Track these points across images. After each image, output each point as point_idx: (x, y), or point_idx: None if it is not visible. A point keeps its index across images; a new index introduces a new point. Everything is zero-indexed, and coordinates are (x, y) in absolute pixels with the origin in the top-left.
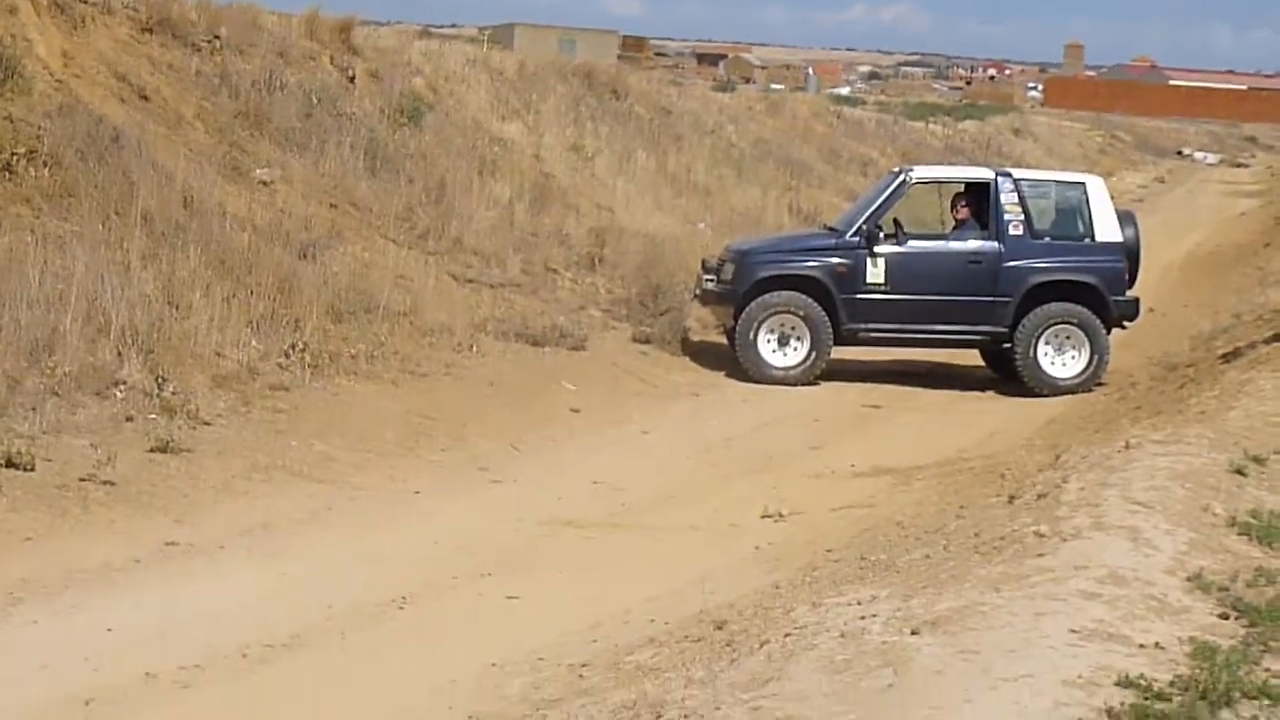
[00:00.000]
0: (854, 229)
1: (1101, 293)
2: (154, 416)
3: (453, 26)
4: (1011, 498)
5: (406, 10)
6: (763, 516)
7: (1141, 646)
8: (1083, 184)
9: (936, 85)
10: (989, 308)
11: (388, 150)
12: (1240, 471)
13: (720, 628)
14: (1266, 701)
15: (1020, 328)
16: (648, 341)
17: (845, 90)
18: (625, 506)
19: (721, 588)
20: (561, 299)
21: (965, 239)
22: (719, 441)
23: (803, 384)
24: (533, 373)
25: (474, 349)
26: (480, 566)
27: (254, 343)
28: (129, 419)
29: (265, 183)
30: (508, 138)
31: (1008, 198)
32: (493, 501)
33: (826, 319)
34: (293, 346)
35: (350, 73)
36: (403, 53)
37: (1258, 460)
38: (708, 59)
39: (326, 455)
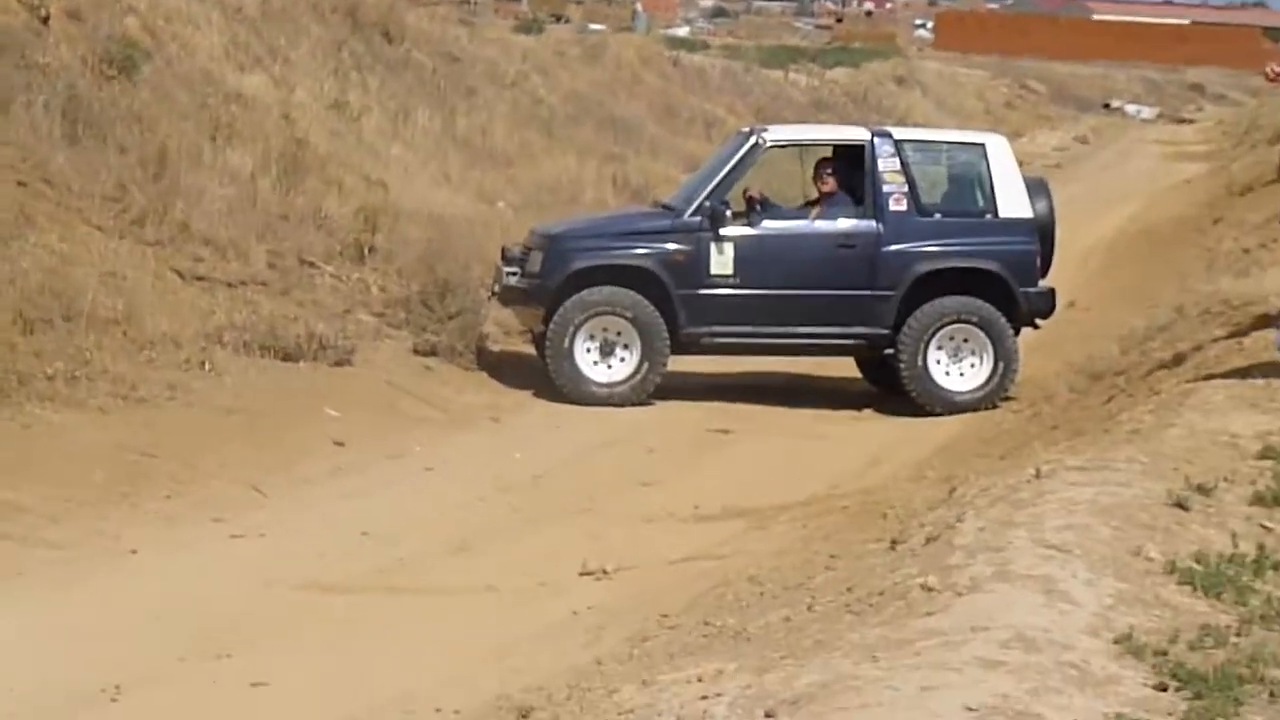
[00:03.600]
0: (694, 207)
1: (1007, 283)
2: None
3: None
4: (894, 542)
5: None
6: (581, 574)
7: None
8: (981, 145)
9: (799, 24)
10: (866, 304)
11: (92, 111)
12: (1181, 504)
13: (526, 716)
14: None
15: (905, 329)
16: (433, 353)
17: (684, 31)
18: (403, 563)
19: (527, 665)
20: (321, 300)
21: (834, 217)
22: (525, 479)
23: (632, 403)
24: (284, 396)
25: (207, 366)
26: (216, 644)
27: None
28: None
29: None
30: (248, 93)
31: (887, 164)
32: (232, 560)
33: (661, 321)
34: None
35: (43, 12)
36: None
37: (1202, 490)
38: None
39: (15, 505)
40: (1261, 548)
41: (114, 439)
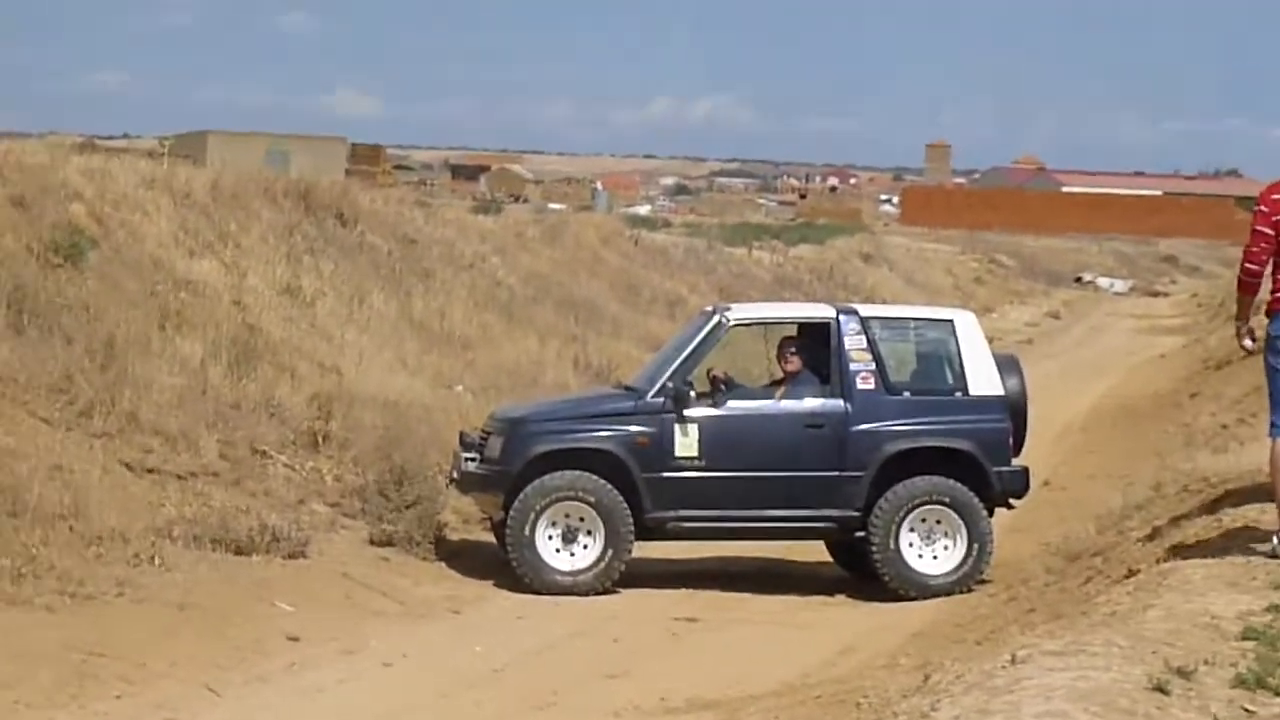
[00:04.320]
0: (657, 387)
1: (980, 462)
2: None
3: (124, 137)
4: None
5: (63, 118)
6: None
7: None
8: (950, 322)
9: (762, 200)
10: (835, 486)
11: (38, 300)
12: (1161, 689)
13: None
14: None
15: (877, 511)
16: (390, 543)
17: (645, 209)
18: None
19: None
20: (274, 490)
21: (800, 397)
22: (486, 673)
23: (596, 592)
24: (236, 590)
25: (157, 561)
26: None
27: None
28: None
29: None
30: (199, 279)
31: (853, 342)
32: None
33: (625, 506)
34: None
35: None
36: (56, 171)
37: (1183, 674)
38: (465, 171)
39: None
40: None
41: (61, 638)
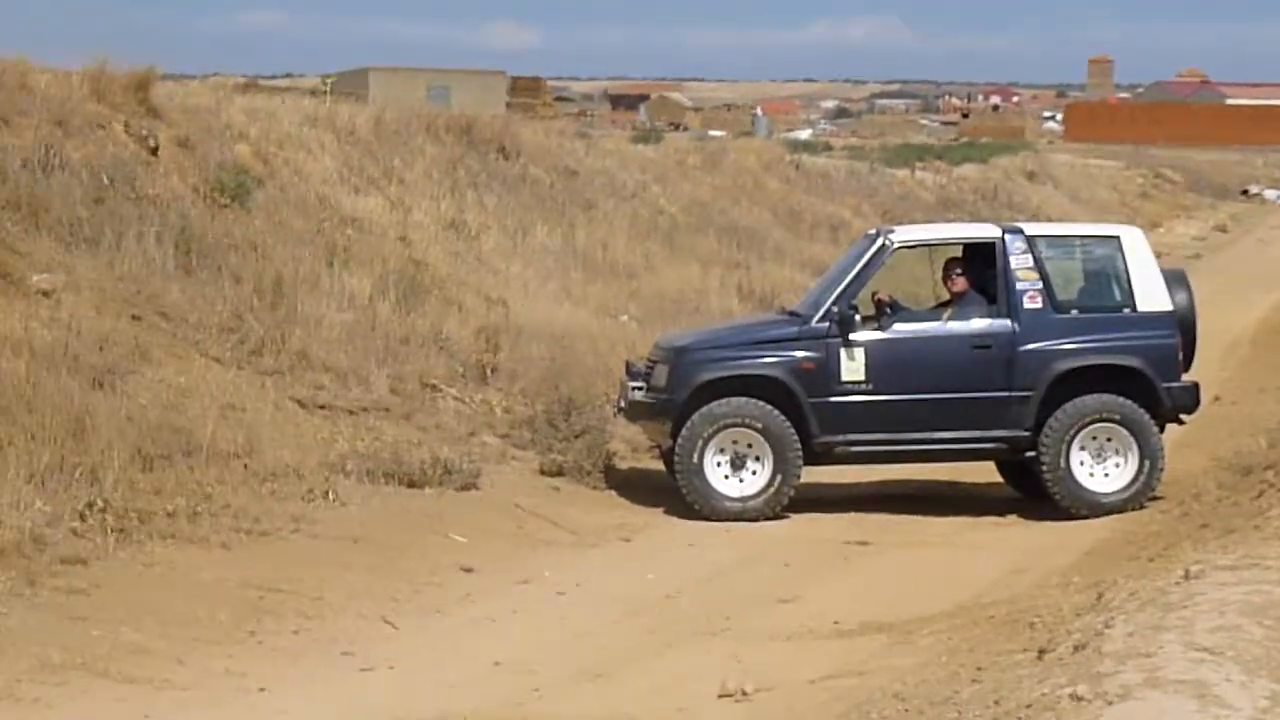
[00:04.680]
0: (822, 312)
1: (1149, 379)
2: None
3: (287, 77)
4: (1042, 651)
5: (225, 59)
6: (720, 696)
7: None
8: (1116, 238)
9: (924, 120)
10: (1004, 406)
11: (205, 241)
12: None
13: None
14: None
15: (1046, 430)
16: (560, 473)
17: (806, 134)
18: (539, 693)
19: None
20: (445, 424)
21: (967, 318)
22: (658, 599)
23: (766, 517)
24: (410, 523)
25: (330, 496)
26: None
27: (39, 503)
28: None
29: (45, 292)
30: (364, 216)
31: (1020, 261)
32: (364, 695)
33: (792, 432)
34: (90, 505)
35: (152, 142)
36: (220, 113)
37: None
38: (625, 101)
39: (140, 646)
40: None
41: (238, 575)
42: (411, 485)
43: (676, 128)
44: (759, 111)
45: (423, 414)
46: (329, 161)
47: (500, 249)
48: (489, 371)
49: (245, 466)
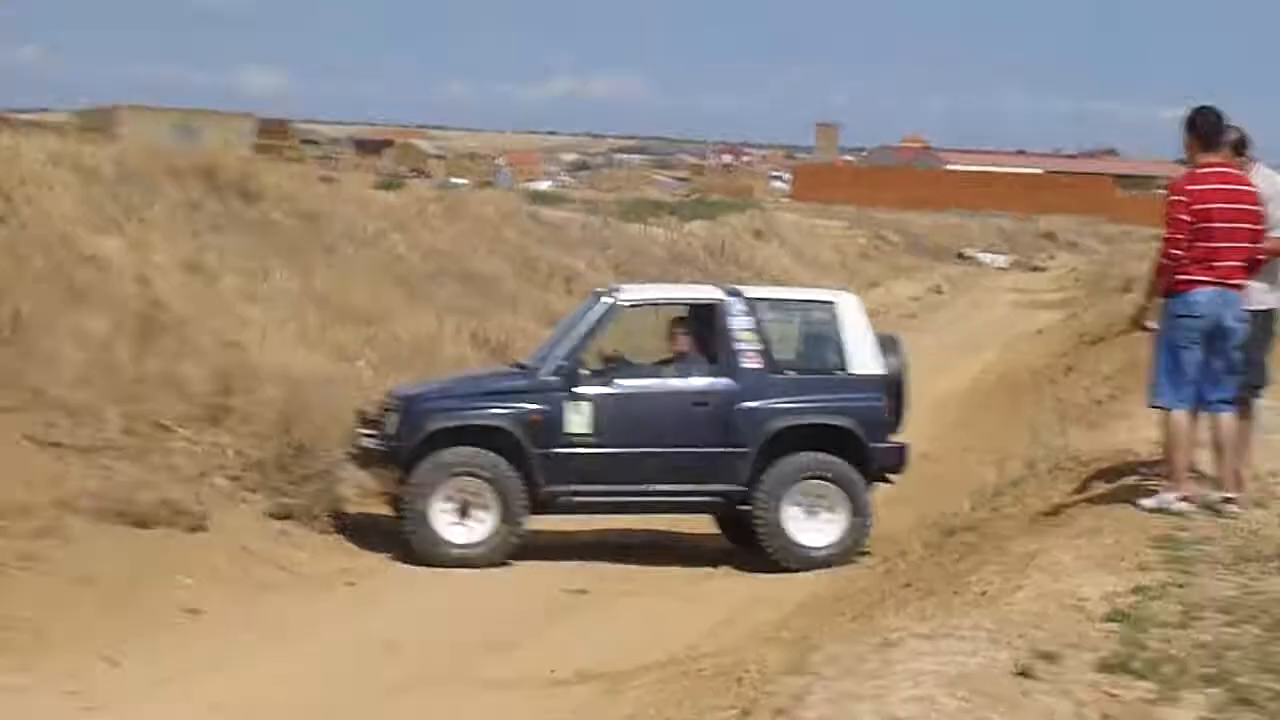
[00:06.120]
0: (551, 366)
1: (859, 438)
2: None
3: (43, 112)
4: (744, 712)
5: None
6: None
7: None
8: (832, 304)
9: (659, 176)
10: (721, 461)
11: None
12: (1025, 673)
13: None
14: None
15: (761, 485)
16: (289, 517)
17: (546, 184)
18: None
19: None
20: (176, 465)
21: (688, 375)
22: (381, 646)
23: (490, 565)
24: (138, 563)
25: (59, 534)
26: None
27: None
28: None
29: None
30: (104, 256)
31: (740, 323)
32: None
33: (519, 481)
34: None
35: None
36: None
37: (1048, 658)
38: (370, 146)
39: None
40: (1106, 717)
41: None
42: (141, 525)
43: (420, 174)
44: (501, 162)
45: (155, 454)
46: (70, 201)
47: (239, 291)
48: (222, 414)
49: None
